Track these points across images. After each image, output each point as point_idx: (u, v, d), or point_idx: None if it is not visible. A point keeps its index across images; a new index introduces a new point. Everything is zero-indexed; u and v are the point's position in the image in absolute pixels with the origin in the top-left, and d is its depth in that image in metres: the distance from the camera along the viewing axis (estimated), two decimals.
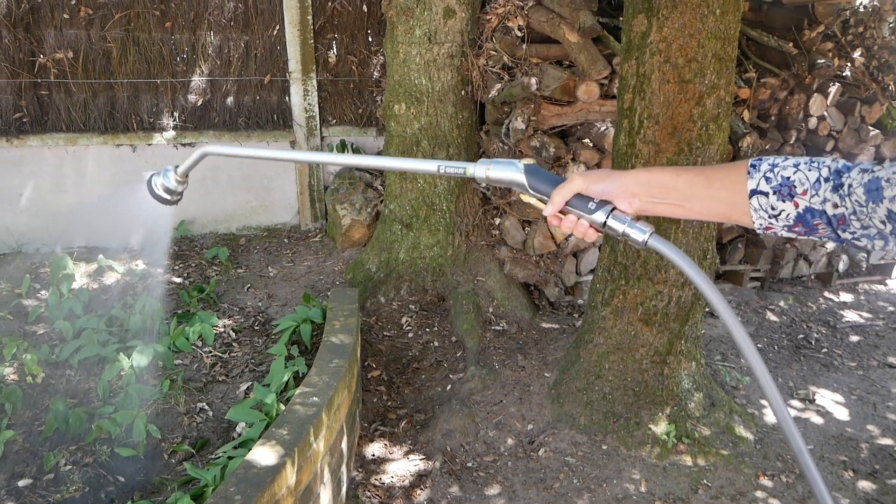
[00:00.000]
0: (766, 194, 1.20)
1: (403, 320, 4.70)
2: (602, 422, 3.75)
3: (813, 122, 5.21)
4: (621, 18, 3.64)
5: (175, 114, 5.48)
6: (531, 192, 1.33)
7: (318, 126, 5.71)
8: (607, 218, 1.27)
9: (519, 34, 4.54)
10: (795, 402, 4.18)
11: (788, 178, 1.19)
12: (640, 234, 1.25)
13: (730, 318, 1.14)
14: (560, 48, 4.50)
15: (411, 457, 3.68)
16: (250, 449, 2.80)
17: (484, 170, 1.33)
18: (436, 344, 4.52)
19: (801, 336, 4.96)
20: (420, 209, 4.96)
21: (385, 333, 4.60)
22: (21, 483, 3.30)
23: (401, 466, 3.62)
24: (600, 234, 1.31)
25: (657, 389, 3.71)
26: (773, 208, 1.20)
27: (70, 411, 3.60)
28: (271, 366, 3.87)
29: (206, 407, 3.81)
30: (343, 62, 5.72)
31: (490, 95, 4.69)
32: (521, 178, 1.32)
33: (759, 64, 4.96)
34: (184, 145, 5.53)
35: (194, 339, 4.33)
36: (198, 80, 5.48)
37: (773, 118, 5.16)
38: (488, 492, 3.44)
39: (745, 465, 3.56)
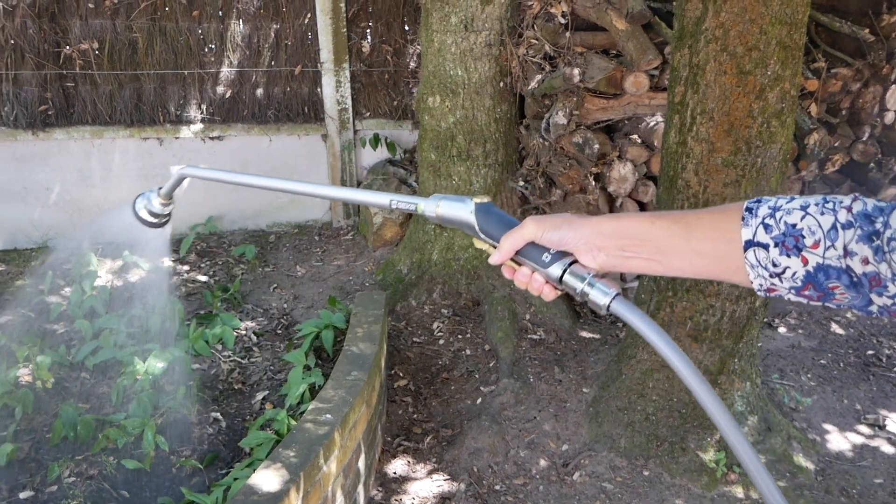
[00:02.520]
0: (766, 246, 0.95)
1: (435, 326, 4.44)
2: (644, 445, 3.43)
3: (890, 116, 4.76)
4: (674, 3, 3.30)
5: (203, 106, 5.30)
6: (481, 235, 1.13)
7: (351, 119, 5.47)
8: (563, 273, 1.07)
9: (562, 21, 4.22)
10: (863, 428, 3.79)
11: (794, 224, 0.93)
12: (601, 295, 1.03)
13: (711, 405, 0.97)
14: (607, 36, 4.17)
15: (435, 476, 3.42)
16: (253, 472, 2.57)
17: (434, 206, 1.16)
18: (468, 352, 4.24)
19: (871, 352, 4.54)
20: None
21: (415, 339, 4.34)
22: (22, 495, 3.14)
23: (423, 487, 3.36)
24: (560, 292, 1.09)
25: (706, 412, 3.37)
26: (774, 264, 0.95)
27: (79, 418, 3.44)
28: (289, 375, 3.65)
29: (220, 417, 3.60)
30: (377, 52, 5.46)
31: (530, 87, 4.38)
32: (470, 218, 1.14)
33: (829, 52, 4.53)
34: (212, 139, 5.35)
35: (214, 342, 4.14)
36: (226, 71, 5.29)
37: (844, 113, 4.72)
38: None
39: (804, 500, 3.21)
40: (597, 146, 4.13)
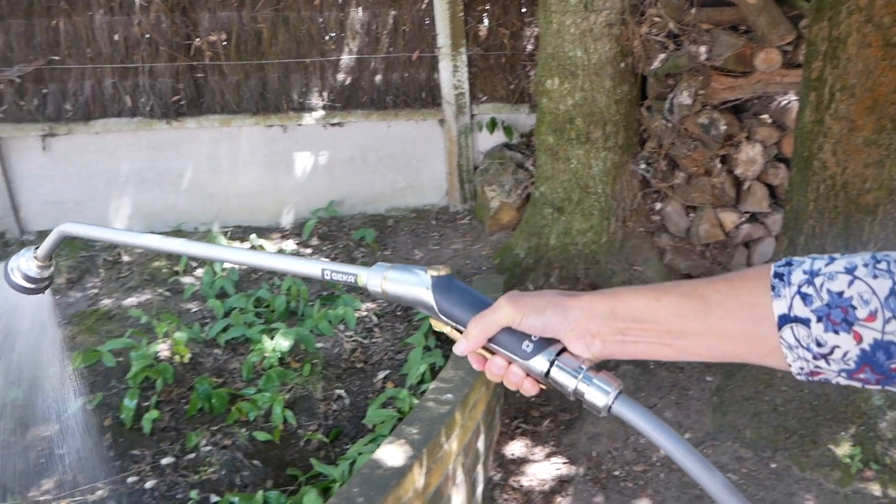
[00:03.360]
0: (807, 322, 0.75)
1: None
2: (772, 437, 3.30)
3: None
4: None
5: (324, 93, 5.45)
6: (441, 316, 0.92)
7: (468, 103, 5.49)
8: (551, 366, 0.87)
9: None
10: None
11: (841, 293, 0.74)
12: (600, 394, 0.85)
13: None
14: (735, 11, 4.01)
15: (553, 459, 3.41)
16: (377, 447, 2.65)
17: (378, 279, 0.95)
18: None
19: None
20: (573, 192, 4.63)
21: None
22: (164, 461, 3.33)
23: (542, 469, 3.36)
24: (544, 387, 0.90)
25: (840, 405, 3.21)
26: (819, 344, 0.75)
27: (213, 391, 3.63)
28: (409, 355, 3.72)
29: (343, 395, 3.71)
30: (494, 35, 5.45)
31: (653, 67, 4.27)
32: (425, 296, 0.93)
33: None
34: (332, 125, 5.49)
35: (337, 322, 4.26)
36: (346, 59, 5.41)
37: None
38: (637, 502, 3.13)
39: None
40: (723, 127, 3.99)
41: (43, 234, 5.42)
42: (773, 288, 0.77)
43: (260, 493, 2.99)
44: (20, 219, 5.50)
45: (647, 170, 4.48)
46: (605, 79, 4.43)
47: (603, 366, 0.88)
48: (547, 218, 4.71)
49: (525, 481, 3.31)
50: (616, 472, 3.32)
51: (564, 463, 3.39)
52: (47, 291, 1.45)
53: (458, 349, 0.92)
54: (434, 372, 3.52)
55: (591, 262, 4.59)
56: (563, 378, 0.87)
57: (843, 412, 3.21)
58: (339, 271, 0.98)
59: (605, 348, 0.87)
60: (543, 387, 0.90)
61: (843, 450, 3.16)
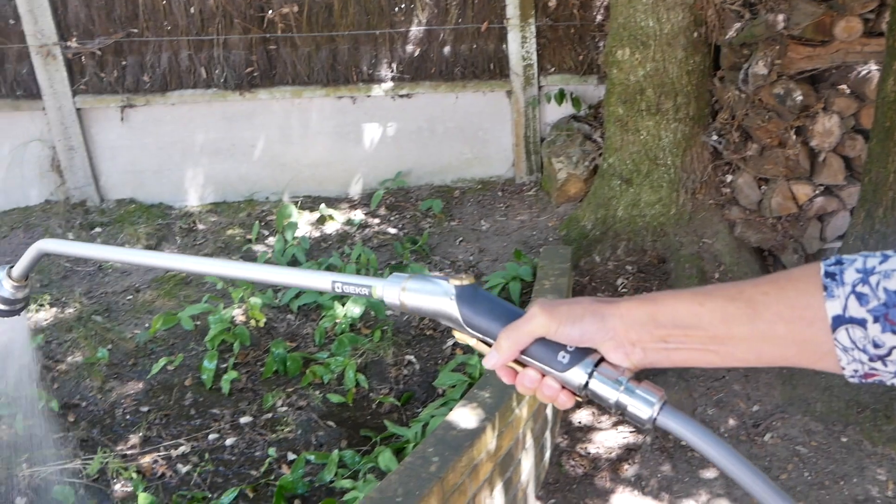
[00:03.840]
0: (863, 323, 0.71)
1: (619, 282, 4.42)
2: (843, 411, 3.28)
3: None
4: None
5: (393, 65, 5.50)
6: (466, 328, 0.87)
7: (536, 75, 5.48)
8: (590, 378, 0.82)
9: None
10: None
11: None
12: (643, 406, 0.79)
13: None
14: None
15: (620, 428, 3.45)
16: (451, 409, 2.72)
17: (395, 291, 0.89)
18: None
19: None
20: (642, 164, 4.61)
21: (599, 295, 4.35)
22: (242, 420, 3.48)
23: (608, 437, 3.41)
24: (580, 399, 0.84)
25: None
26: (876, 345, 0.71)
27: (288, 355, 3.76)
28: None
29: (413, 360, 3.81)
30: (563, 5, 5.41)
31: (727, 37, 4.20)
32: (449, 306, 0.87)
33: None
34: (401, 97, 5.55)
35: None
36: (415, 30, 5.44)
37: None
38: (703, 475, 3.15)
39: None
40: (799, 97, 3.91)
41: (121, 203, 5.66)
42: (825, 288, 0.73)
43: (335, 452, 3.11)
44: (100, 187, 5.72)
45: (718, 141, 4.43)
46: (677, 49, 4.38)
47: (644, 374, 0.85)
48: (615, 189, 4.71)
49: (592, 448, 3.36)
50: (683, 443, 3.34)
51: (631, 432, 3.42)
52: (23, 313, 1.36)
53: (487, 363, 0.85)
54: None
55: (659, 234, 4.57)
56: (603, 390, 0.81)
57: None
58: (351, 283, 0.92)
59: (645, 357, 0.82)
60: (580, 398, 0.85)
61: None
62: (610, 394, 0.81)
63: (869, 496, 2.95)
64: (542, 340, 0.83)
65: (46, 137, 5.55)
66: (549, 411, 3.23)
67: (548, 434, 3.26)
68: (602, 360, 0.83)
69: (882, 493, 2.96)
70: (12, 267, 1.29)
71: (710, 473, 3.15)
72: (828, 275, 0.74)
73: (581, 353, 0.83)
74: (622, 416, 0.81)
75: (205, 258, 1.04)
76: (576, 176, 5.15)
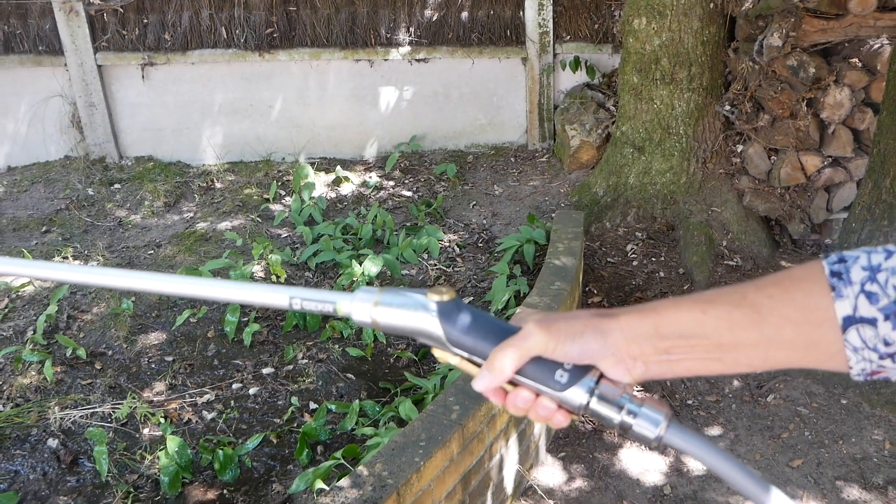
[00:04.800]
0: (874, 322, 0.70)
1: (629, 247, 4.54)
2: (843, 374, 3.41)
3: None
4: None
5: (411, 29, 5.56)
6: (451, 347, 0.79)
7: (552, 42, 5.54)
8: (591, 397, 0.76)
9: None
10: None
11: None
12: (649, 426, 0.75)
13: None
14: None
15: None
16: None
17: (367, 307, 0.78)
18: (661, 274, 4.33)
19: None
20: (654, 132, 4.70)
21: (608, 260, 4.47)
22: (265, 371, 3.61)
23: None
24: (576, 417, 0.80)
25: None
26: (887, 343, 0.70)
27: None
28: (493, 283, 3.90)
29: None
30: None
31: (743, 8, 4.27)
32: (430, 323, 0.78)
33: None
34: (418, 61, 5.61)
35: (421, 251, 4.47)
36: None
37: None
38: (709, 432, 3.28)
39: None
40: (812, 70, 3.99)
41: (140, 160, 5.75)
42: (833, 288, 0.72)
43: (356, 402, 3.24)
44: (119, 144, 5.81)
45: (731, 111, 4.52)
46: (693, 19, 4.44)
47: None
48: (627, 157, 4.80)
49: None
50: (689, 402, 3.48)
51: (639, 390, 3.55)
52: None
53: (478, 385, 0.77)
54: (518, 299, 3.70)
55: (669, 202, 4.67)
56: (606, 410, 0.76)
57: None
58: (312, 299, 0.80)
59: (647, 370, 0.77)
60: (575, 417, 0.80)
61: None
62: (613, 414, 0.76)
63: (866, 455, 3.09)
64: (537, 359, 0.77)
65: (67, 93, 5.63)
66: None
67: None
68: (601, 376, 0.77)
69: (879, 452, 3.10)
70: None
71: (714, 431, 3.29)
72: (833, 274, 0.72)
73: (580, 371, 0.77)
74: (625, 435, 0.77)
75: (162, 275, 0.86)
76: (588, 143, 5.24)
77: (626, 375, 0.77)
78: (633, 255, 4.48)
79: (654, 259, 4.45)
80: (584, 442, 3.30)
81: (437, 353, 0.80)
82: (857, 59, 4.02)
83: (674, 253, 4.49)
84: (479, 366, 0.78)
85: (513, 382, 0.78)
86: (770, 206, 4.46)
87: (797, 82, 4.05)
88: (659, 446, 0.80)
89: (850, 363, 0.72)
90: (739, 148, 4.61)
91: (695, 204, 4.62)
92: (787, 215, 4.44)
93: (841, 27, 3.98)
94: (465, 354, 0.79)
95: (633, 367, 0.77)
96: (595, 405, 0.76)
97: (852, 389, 3.37)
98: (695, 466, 3.09)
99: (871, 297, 0.70)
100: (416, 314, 0.78)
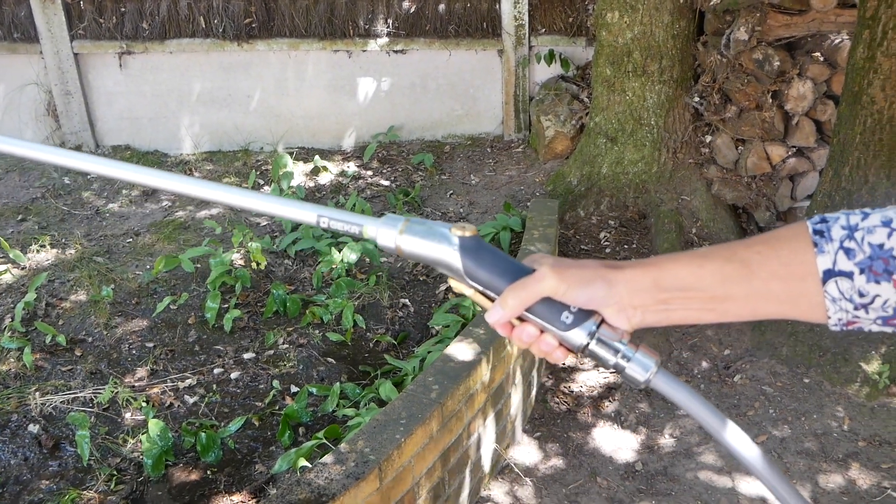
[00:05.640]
0: (850, 275, 0.79)
1: (602, 235, 4.66)
2: (806, 354, 3.56)
3: None
4: None
5: (389, 20, 5.62)
6: (468, 281, 0.85)
7: (527, 35, 5.64)
8: (591, 339, 0.84)
9: None
10: None
11: (881, 245, 0.78)
12: (640, 370, 0.83)
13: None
14: None
15: (601, 369, 3.70)
16: (447, 345, 2.94)
17: (393, 233, 0.83)
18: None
19: None
20: (627, 123, 4.82)
21: (582, 247, 4.58)
22: (246, 356, 3.67)
23: (590, 377, 3.66)
24: (573, 355, 0.88)
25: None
26: (861, 294, 0.79)
27: (288, 296, 3.94)
28: None
29: (408, 303, 4.02)
30: None
31: (711, 3, 4.39)
32: (451, 256, 0.84)
33: None
34: (395, 52, 5.68)
35: None
36: None
37: None
38: (678, 411, 3.41)
39: None
40: (777, 63, 4.13)
41: (117, 149, 5.77)
42: (815, 245, 0.80)
43: (336, 384, 3.33)
44: (96, 133, 5.82)
45: (700, 103, 4.65)
46: (664, 13, 4.56)
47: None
48: (600, 147, 4.92)
49: (575, 387, 3.61)
50: None
51: (612, 372, 3.67)
52: None
53: (491, 318, 0.85)
54: None
55: (641, 191, 4.80)
56: (603, 352, 0.84)
57: (875, 333, 3.44)
58: (340, 219, 0.84)
59: (644, 319, 0.85)
60: (572, 354, 0.87)
61: (873, 367, 3.41)
62: (609, 357, 0.84)
63: (828, 430, 3.23)
64: (546, 299, 0.83)
65: (43, 81, 5.62)
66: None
67: (535, 373, 3.50)
68: (602, 321, 0.84)
69: (839, 427, 3.24)
70: None
71: (684, 409, 3.41)
72: (816, 232, 0.80)
73: (583, 315, 0.84)
74: (618, 374, 0.85)
75: (189, 177, 0.90)
76: (563, 134, 5.35)
77: (626, 323, 0.84)
78: (607, 243, 4.60)
79: (626, 246, 4.57)
80: (558, 422, 3.41)
81: (454, 283, 0.87)
82: (819, 54, 4.16)
83: (645, 240, 4.61)
84: (491, 300, 0.85)
85: (521, 318, 0.85)
86: (737, 195, 4.60)
87: (763, 75, 4.18)
88: (646, 388, 0.88)
89: (829, 313, 0.80)
90: (708, 138, 4.75)
91: (665, 193, 4.75)
92: (753, 203, 4.58)
93: (804, 22, 4.12)
94: (480, 288, 0.85)
95: (633, 315, 0.84)
96: (594, 346, 0.84)
97: (814, 369, 3.52)
98: (665, 443, 3.21)
99: (848, 252, 0.78)
100: (438, 245, 0.83)
